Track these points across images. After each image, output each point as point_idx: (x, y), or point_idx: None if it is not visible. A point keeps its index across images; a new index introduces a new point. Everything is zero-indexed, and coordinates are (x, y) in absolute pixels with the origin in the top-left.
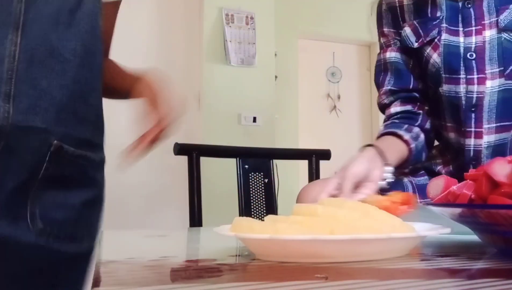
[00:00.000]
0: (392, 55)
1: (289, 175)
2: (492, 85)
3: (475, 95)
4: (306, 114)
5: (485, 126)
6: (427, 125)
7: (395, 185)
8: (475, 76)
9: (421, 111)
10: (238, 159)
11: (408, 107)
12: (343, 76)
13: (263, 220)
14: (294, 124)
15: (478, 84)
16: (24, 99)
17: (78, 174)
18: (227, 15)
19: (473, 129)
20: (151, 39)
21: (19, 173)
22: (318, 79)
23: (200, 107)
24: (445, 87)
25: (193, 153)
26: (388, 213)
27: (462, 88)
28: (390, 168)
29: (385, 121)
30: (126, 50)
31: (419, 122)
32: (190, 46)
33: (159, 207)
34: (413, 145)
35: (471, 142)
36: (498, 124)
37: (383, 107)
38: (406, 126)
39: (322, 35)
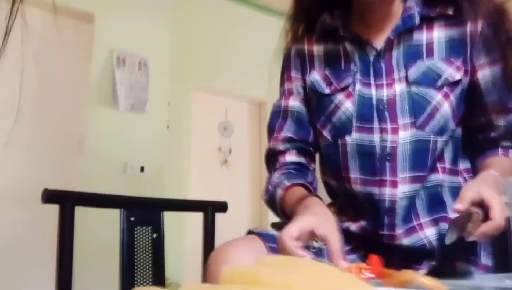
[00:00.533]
0: (295, 104)
1: (175, 229)
2: (404, 136)
3: (388, 144)
4: (197, 165)
5: (400, 175)
6: (315, 183)
7: None
8: (389, 126)
9: (311, 167)
10: (122, 210)
11: (302, 160)
12: (235, 131)
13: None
14: (185, 175)
15: (391, 133)
16: None
17: None
18: (118, 58)
19: (388, 178)
20: (30, 74)
21: None
22: (210, 132)
23: (82, 152)
24: (355, 136)
25: (66, 201)
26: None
27: (376, 137)
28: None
29: (276, 168)
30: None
31: (309, 178)
32: (76, 86)
33: (21, 266)
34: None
35: (385, 191)
36: (412, 175)
37: (274, 154)
38: (305, 178)
39: (216, 90)
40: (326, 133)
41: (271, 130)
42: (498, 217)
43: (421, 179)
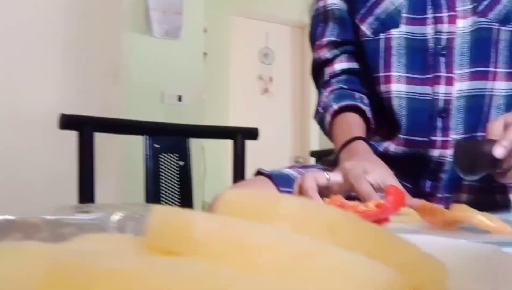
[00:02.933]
0: (334, 1)
1: (219, 159)
2: (464, 25)
3: (445, 36)
4: (237, 95)
5: (457, 71)
6: (368, 92)
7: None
8: (445, 14)
9: (363, 71)
10: (145, 136)
11: (355, 65)
12: (276, 58)
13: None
14: (224, 105)
15: (449, 23)
16: None
17: None
18: None
19: (443, 74)
20: (62, 3)
21: None
22: (250, 60)
23: (117, 81)
24: (404, 28)
25: (84, 127)
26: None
27: (429, 29)
28: None
29: (324, 82)
30: (32, 18)
31: (362, 86)
32: (108, 13)
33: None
34: (372, 124)
35: (440, 89)
36: (473, 70)
37: (323, 64)
38: (357, 94)
39: (255, 14)
40: (365, 27)
41: (314, 37)
42: None
43: (484, 75)
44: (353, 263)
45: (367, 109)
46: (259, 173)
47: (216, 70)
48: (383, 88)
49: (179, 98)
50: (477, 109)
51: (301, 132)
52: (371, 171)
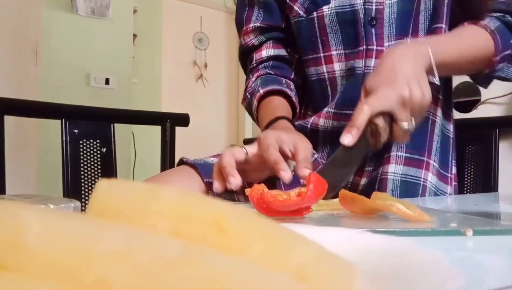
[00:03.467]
0: None
1: (150, 147)
2: None
3: (374, 7)
4: (170, 81)
5: (386, 43)
6: (296, 79)
7: None
8: None
9: (293, 59)
10: (63, 120)
11: (282, 51)
12: (211, 44)
13: None
14: (157, 91)
15: None
16: None
17: None
18: None
19: (375, 48)
20: None
21: None
22: (184, 44)
23: (38, 62)
24: (333, 3)
25: None
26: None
27: (358, 0)
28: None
29: (252, 68)
30: None
31: (290, 74)
32: None
33: None
34: (297, 108)
35: (372, 63)
36: (399, 41)
37: (249, 50)
38: (283, 80)
39: None
40: (297, 7)
41: (240, 23)
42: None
43: None
44: (232, 273)
45: (292, 94)
46: (182, 162)
47: (147, 53)
48: (324, 68)
49: (107, 81)
50: None
51: (235, 120)
52: (285, 138)
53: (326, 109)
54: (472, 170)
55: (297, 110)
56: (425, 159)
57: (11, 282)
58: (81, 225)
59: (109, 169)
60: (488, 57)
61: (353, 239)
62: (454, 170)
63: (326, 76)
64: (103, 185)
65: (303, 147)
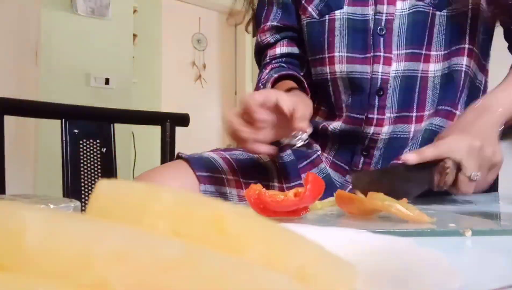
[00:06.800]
0: None
1: (149, 147)
2: (402, 7)
3: (384, 17)
4: (169, 81)
5: (395, 52)
6: (306, 76)
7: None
8: None
9: (304, 58)
10: (63, 120)
11: (295, 50)
12: (209, 45)
13: None
14: (157, 91)
15: (387, 4)
16: None
17: None
18: None
19: (382, 54)
20: None
21: None
22: (183, 45)
23: (38, 62)
24: (347, 9)
25: None
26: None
27: (370, 10)
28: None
29: (266, 63)
30: None
31: (301, 68)
32: None
33: None
34: (309, 94)
35: (378, 68)
36: (409, 51)
37: (265, 47)
38: (296, 73)
39: None
40: (312, 9)
41: (258, 21)
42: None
43: (418, 57)
44: (232, 274)
45: (305, 81)
46: (178, 157)
47: (147, 53)
48: (327, 69)
49: (107, 81)
50: (410, 89)
51: None
52: (284, 97)
53: (336, 113)
54: None
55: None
56: (453, 110)
57: (11, 282)
58: (81, 225)
59: (109, 169)
60: None
61: (353, 240)
62: None
63: (329, 77)
64: (103, 185)
65: (302, 105)
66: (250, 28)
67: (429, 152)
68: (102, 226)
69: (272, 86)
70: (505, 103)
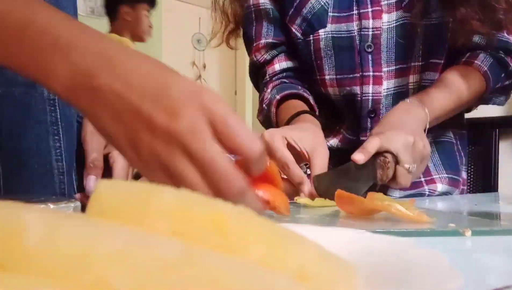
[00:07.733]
0: (266, 0)
1: None
2: (389, 20)
3: (370, 32)
4: None
5: (384, 69)
6: (306, 84)
7: None
8: (369, 10)
9: (301, 68)
10: None
11: (295, 63)
12: (209, 45)
13: None
14: None
15: (373, 18)
16: None
17: None
18: None
19: (371, 73)
20: None
21: None
22: (183, 45)
23: None
24: (330, 28)
25: None
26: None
27: (355, 26)
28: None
29: (266, 82)
30: None
31: (303, 81)
32: None
33: None
34: (316, 111)
35: (369, 89)
36: (398, 67)
37: (262, 65)
38: (299, 86)
39: None
40: (295, 29)
41: (249, 39)
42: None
43: (407, 71)
44: (232, 274)
45: (310, 97)
46: None
47: (147, 53)
48: (322, 90)
49: None
50: None
51: None
52: (300, 136)
53: (335, 129)
54: (472, 170)
55: (317, 113)
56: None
57: (11, 282)
58: (81, 226)
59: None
60: (480, 94)
61: (353, 240)
62: (464, 174)
63: (326, 97)
64: (103, 185)
65: (320, 155)
66: (233, 42)
67: (372, 147)
68: (102, 226)
69: (277, 109)
70: (429, 102)
